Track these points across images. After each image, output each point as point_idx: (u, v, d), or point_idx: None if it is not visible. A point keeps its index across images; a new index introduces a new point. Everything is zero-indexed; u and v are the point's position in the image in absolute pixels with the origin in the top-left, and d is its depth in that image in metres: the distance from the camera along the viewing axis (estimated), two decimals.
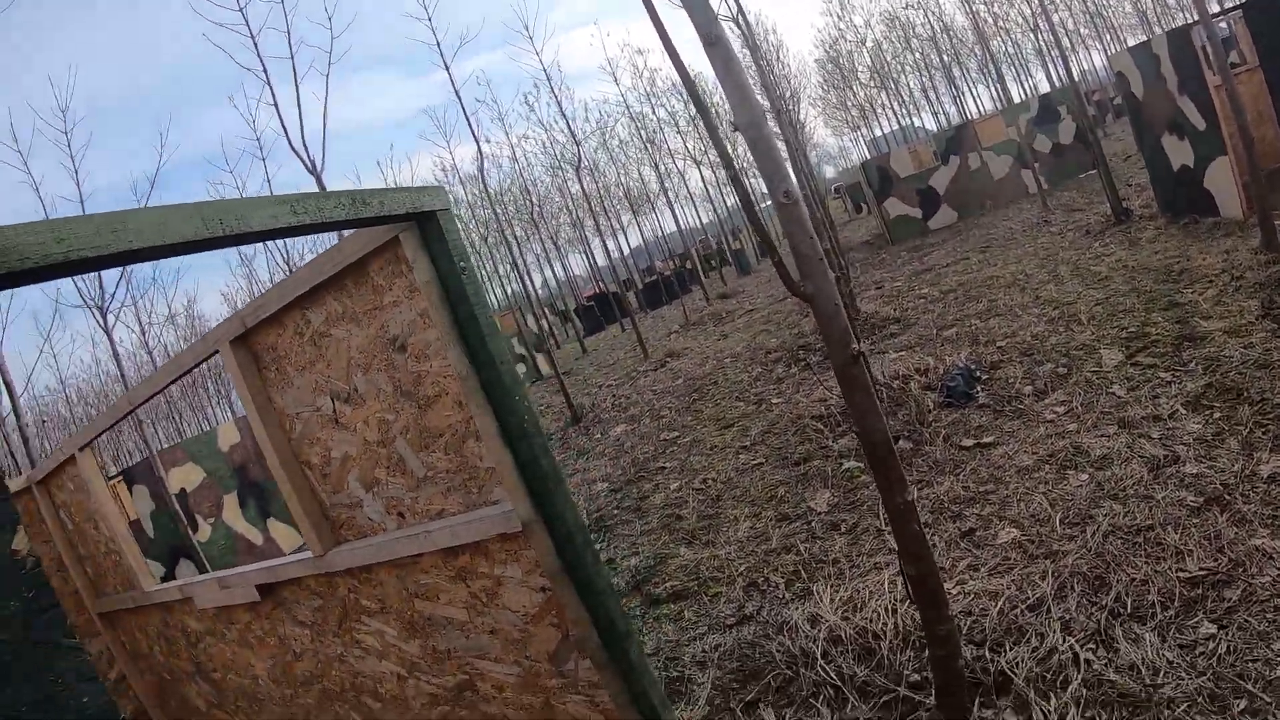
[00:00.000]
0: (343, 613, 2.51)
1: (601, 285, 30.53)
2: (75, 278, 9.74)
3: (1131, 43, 35.10)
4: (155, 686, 3.87)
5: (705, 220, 35.37)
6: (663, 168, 27.94)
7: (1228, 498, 3.03)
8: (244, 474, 9.79)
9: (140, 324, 20.26)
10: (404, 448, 2.06)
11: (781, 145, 9.77)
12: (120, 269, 9.71)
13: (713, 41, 1.95)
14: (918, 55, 35.69)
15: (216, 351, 2.45)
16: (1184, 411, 3.87)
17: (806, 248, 1.92)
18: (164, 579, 8.19)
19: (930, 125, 40.81)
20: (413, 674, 2.37)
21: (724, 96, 2.09)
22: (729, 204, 33.39)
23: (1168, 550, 2.85)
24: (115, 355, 9.09)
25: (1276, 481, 3.02)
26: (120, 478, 9.02)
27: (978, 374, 5.28)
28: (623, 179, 32.15)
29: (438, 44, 11.13)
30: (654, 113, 26.31)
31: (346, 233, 1.90)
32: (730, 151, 2.00)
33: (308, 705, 2.88)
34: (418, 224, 1.77)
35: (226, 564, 8.89)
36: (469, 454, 1.94)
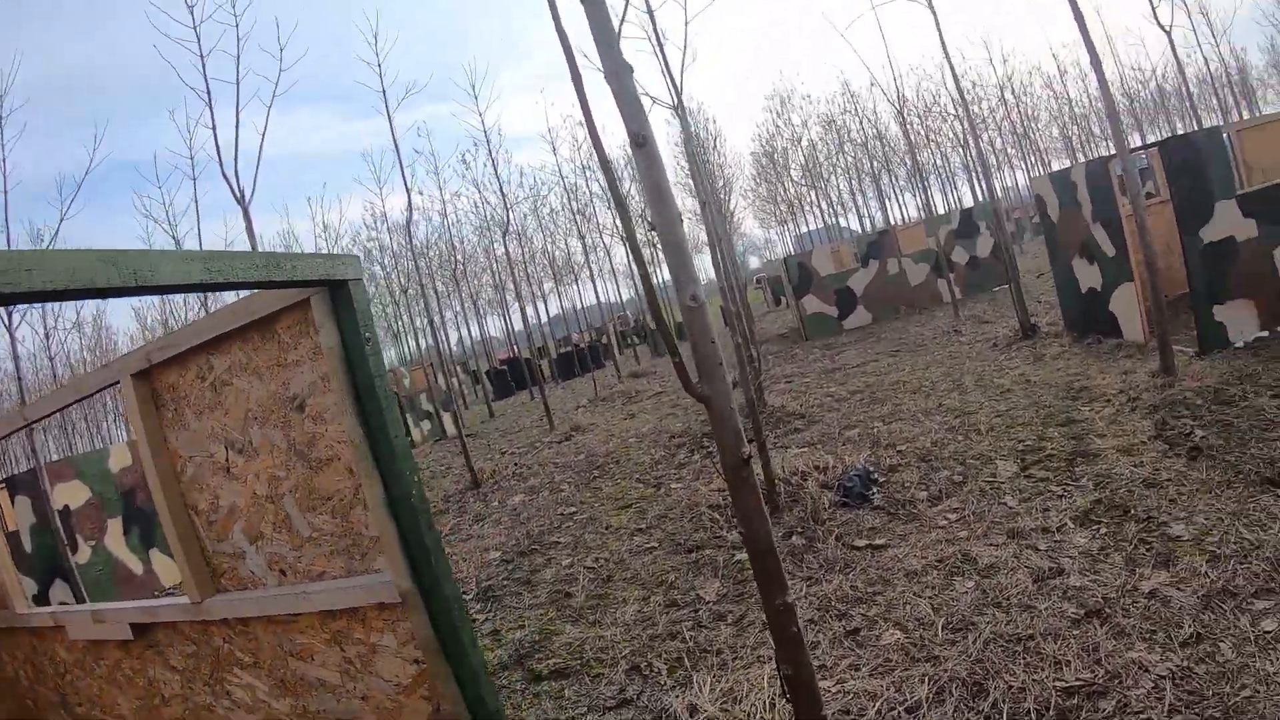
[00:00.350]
0: (216, 662, 2.45)
1: (516, 350, 30.47)
2: None
3: (1055, 166, 37.05)
4: (15, 714, 3.67)
5: (625, 297, 35.35)
6: (589, 240, 28.12)
7: (1108, 611, 3.12)
8: (131, 499, 9.37)
9: (45, 326, 19.47)
10: (291, 506, 2.05)
11: (703, 234, 9.97)
12: None
13: (640, 143, 2.04)
14: (850, 158, 36.65)
15: (118, 381, 2.41)
16: (1072, 525, 4.02)
17: (707, 350, 1.99)
18: (36, 597, 7.78)
19: (855, 227, 41.86)
20: None
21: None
22: (652, 282, 33.52)
23: (1046, 660, 2.92)
24: (15, 355, 8.69)
25: (1157, 597, 3.12)
26: (3, 486, 8.57)
27: (875, 476, 5.38)
28: (549, 247, 32.21)
29: (383, 91, 11.06)
30: (587, 186, 26.55)
31: None
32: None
33: None
34: (329, 290, 1.79)
35: (104, 591, 8.50)
36: (355, 520, 1.93)
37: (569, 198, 25.24)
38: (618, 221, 27.08)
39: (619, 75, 2.11)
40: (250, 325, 2.00)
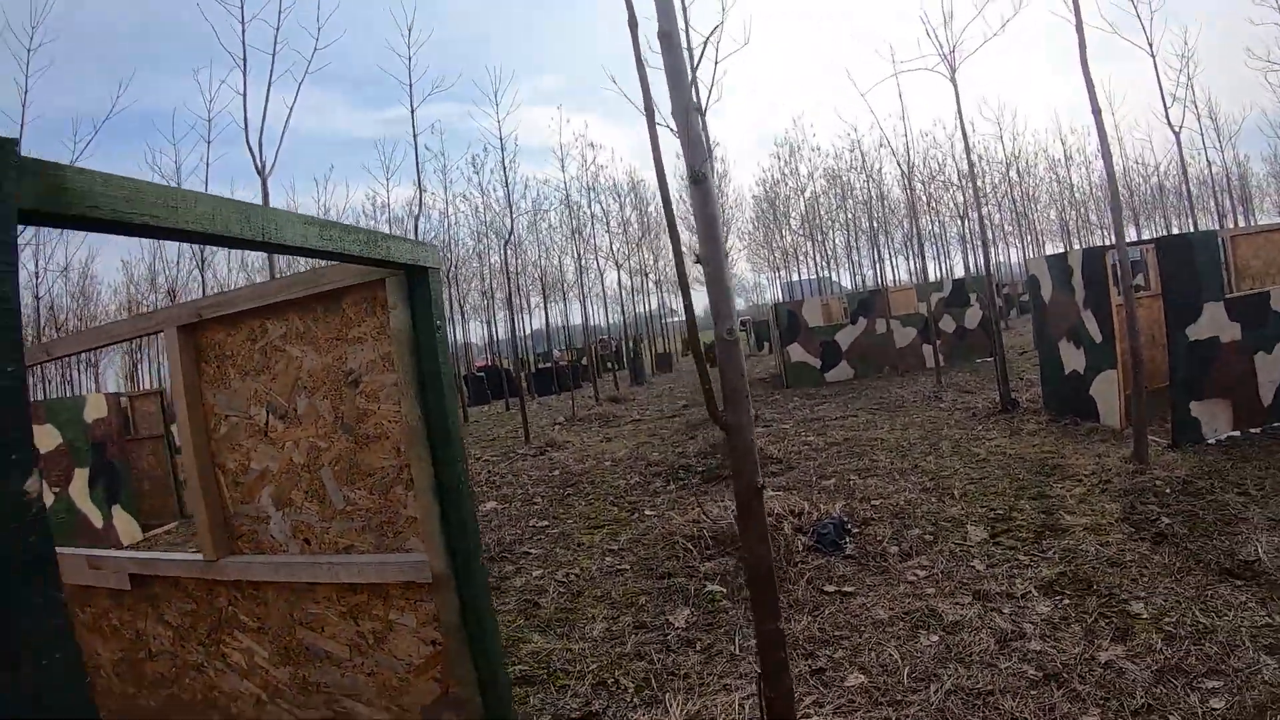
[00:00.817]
0: (216, 623, 2.47)
1: (496, 359, 30.18)
2: None
3: (1049, 248, 37.45)
4: None
5: (611, 320, 35.00)
6: (583, 261, 28.23)
7: (1066, 676, 3.24)
8: (101, 451, 9.34)
9: (37, 266, 19.27)
10: (328, 477, 2.12)
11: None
12: None
13: (699, 180, 2.16)
14: (850, 215, 36.60)
15: (160, 331, 2.46)
16: (1036, 594, 4.15)
17: (736, 382, 2.11)
18: None
19: (847, 283, 41.77)
20: (274, 700, 2.35)
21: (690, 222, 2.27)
22: (638, 310, 33.48)
23: (1005, 715, 3.02)
24: None
25: (1112, 668, 3.25)
26: None
27: (849, 527, 5.48)
28: (542, 262, 32.21)
29: (410, 85, 11.17)
30: (589, 207, 26.68)
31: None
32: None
33: (149, 709, 2.77)
34: (406, 274, 1.88)
35: (62, 541, 8.38)
36: (394, 499, 2.00)
37: (570, 214, 25.31)
38: (614, 245, 27.24)
39: (688, 114, 2.23)
40: (314, 297, 2.07)
